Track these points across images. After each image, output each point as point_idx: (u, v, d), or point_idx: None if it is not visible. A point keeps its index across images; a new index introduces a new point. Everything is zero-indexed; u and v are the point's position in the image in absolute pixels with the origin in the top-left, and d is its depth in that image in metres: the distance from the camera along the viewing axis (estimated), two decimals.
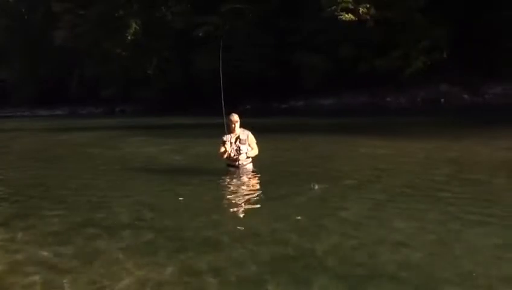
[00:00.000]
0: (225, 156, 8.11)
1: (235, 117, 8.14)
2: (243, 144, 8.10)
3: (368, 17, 30.64)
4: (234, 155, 8.07)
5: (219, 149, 8.18)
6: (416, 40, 30.10)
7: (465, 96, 29.06)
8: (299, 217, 5.43)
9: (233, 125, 8.11)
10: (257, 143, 8.25)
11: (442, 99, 29.27)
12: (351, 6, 30.52)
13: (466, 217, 5.26)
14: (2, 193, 7.81)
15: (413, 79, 30.04)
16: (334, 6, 30.59)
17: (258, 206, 6.27)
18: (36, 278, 4.06)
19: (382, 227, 4.98)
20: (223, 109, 8.25)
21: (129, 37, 40.78)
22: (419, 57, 30.22)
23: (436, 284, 3.61)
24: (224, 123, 8.18)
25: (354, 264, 4.04)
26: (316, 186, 6.84)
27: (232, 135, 8.12)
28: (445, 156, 9.80)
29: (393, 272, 3.83)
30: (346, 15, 30.40)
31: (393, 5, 29.94)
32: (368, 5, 30.57)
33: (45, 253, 4.67)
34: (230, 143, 8.07)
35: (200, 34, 35.04)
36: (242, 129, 8.21)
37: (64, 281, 3.96)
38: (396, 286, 3.61)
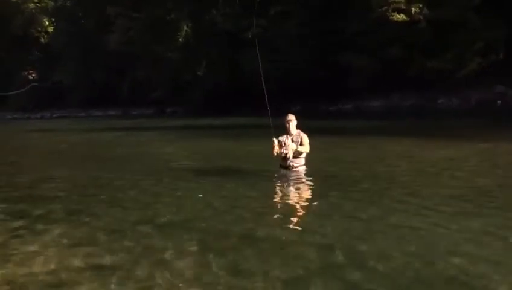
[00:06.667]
0: (275, 153, 8.09)
1: (289, 116, 8.16)
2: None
3: (421, 17, 29.88)
4: (286, 153, 8.03)
5: (272, 148, 8.12)
6: (470, 41, 29.12)
7: None
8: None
9: (287, 125, 8.14)
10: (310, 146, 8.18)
11: (498, 101, 28.19)
12: (403, 6, 29.86)
13: None
14: (58, 192, 8.09)
15: (466, 80, 29.10)
16: (386, 7, 30.00)
17: (306, 208, 6.23)
18: (87, 274, 4.18)
19: (437, 234, 4.82)
20: (269, 111, 8.18)
21: (180, 40, 41.48)
22: (474, 58, 29.23)
23: None
24: (271, 125, 8.13)
25: (407, 270, 3.93)
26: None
27: (287, 135, 8.14)
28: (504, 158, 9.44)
29: (447, 281, 3.70)
30: (398, 15, 29.77)
31: (446, 5, 29.04)
32: (421, 5, 29.82)
33: (97, 250, 4.79)
34: (284, 144, 8.08)
35: (250, 36, 35.23)
36: (298, 131, 8.20)
37: (115, 278, 4.05)
38: None
